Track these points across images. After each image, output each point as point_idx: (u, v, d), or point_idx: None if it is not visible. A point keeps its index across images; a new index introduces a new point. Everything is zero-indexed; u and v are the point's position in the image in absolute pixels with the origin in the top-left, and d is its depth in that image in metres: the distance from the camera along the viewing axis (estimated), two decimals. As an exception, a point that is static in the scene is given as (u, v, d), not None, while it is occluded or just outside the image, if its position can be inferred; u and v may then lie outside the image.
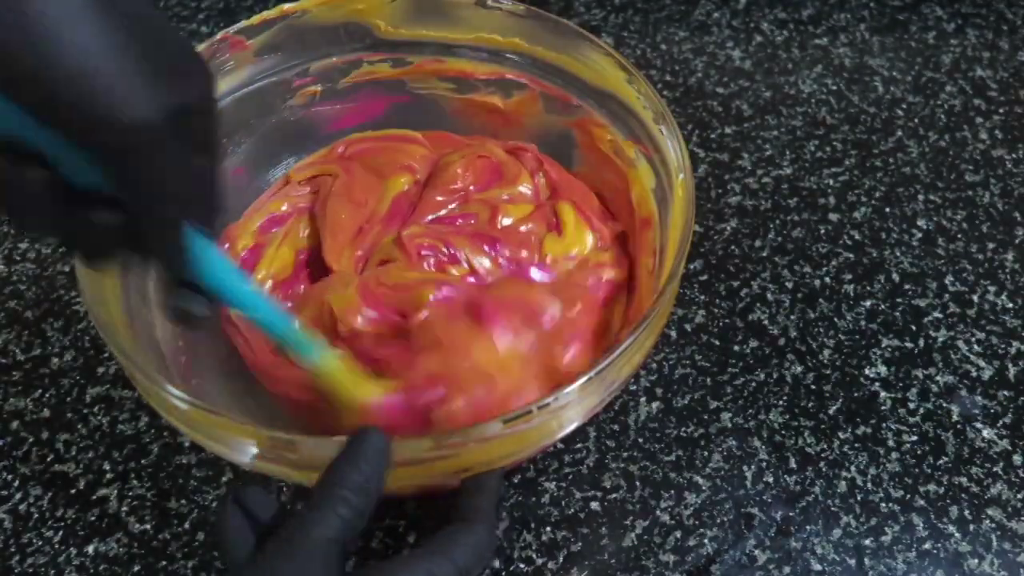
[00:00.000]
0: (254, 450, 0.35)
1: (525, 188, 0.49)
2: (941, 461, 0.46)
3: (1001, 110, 0.62)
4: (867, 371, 0.49)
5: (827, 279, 0.53)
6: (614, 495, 0.45)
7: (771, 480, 0.45)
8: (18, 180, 0.26)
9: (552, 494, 0.45)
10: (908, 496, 0.45)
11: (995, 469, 0.46)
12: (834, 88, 0.63)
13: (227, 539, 0.32)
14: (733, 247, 0.54)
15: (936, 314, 0.51)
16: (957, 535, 0.44)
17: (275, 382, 0.43)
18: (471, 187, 0.49)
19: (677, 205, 0.41)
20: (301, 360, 0.38)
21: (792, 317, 0.51)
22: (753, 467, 0.46)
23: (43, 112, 0.24)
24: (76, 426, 0.47)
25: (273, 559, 0.30)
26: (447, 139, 0.53)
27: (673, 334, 0.50)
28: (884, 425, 0.47)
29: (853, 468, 0.46)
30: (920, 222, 0.56)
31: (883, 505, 0.44)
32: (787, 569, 0.42)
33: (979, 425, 0.47)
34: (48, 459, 0.46)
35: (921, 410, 0.48)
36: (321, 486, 0.31)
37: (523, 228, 0.47)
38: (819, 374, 0.49)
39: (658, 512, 0.44)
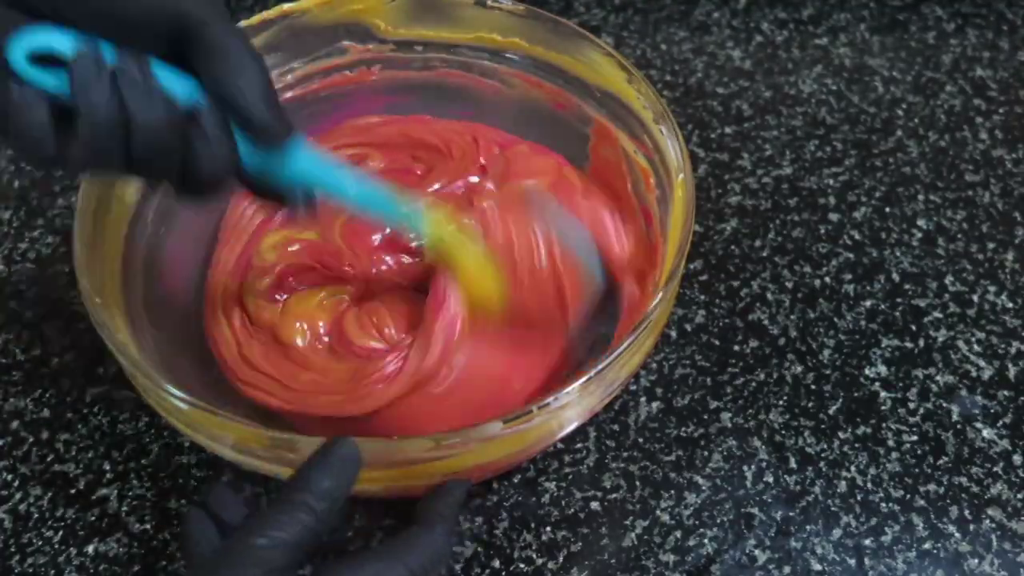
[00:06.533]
0: (254, 450, 0.35)
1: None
2: (941, 461, 0.46)
3: (1001, 110, 0.62)
4: (867, 371, 0.49)
5: (827, 279, 0.53)
6: (614, 495, 0.45)
7: (771, 480, 0.45)
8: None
9: (552, 494, 0.45)
10: (908, 496, 0.45)
11: (995, 469, 0.46)
12: (834, 88, 0.63)
13: (188, 544, 0.32)
14: (733, 247, 0.54)
15: (936, 314, 0.51)
16: (957, 535, 0.43)
17: (250, 387, 0.43)
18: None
19: (677, 205, 0.41)
20: (413, 232, 0.39)
21: (792, 317, 0.51)
22: (753, 467, 0.46)
23: None
24: (76, 426, 0.47)
25: (213, 567, 0.30)
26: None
27: (673, 334, 0.50)
28: (884, 425, 0.47)
29: (853, 468, 0.46)
30: (920, 222, 0.56)
31: (883, 505, 0.44)
32: (787, 569, 0.42)
33: (979, 425, 0.47)
34: (48, 459, 0.46)
35: (921, 410, 0.48)
36: (286, 490, 0.31)
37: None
38: (819, 374, 0.49)
39: (658, 512, 0.44)
